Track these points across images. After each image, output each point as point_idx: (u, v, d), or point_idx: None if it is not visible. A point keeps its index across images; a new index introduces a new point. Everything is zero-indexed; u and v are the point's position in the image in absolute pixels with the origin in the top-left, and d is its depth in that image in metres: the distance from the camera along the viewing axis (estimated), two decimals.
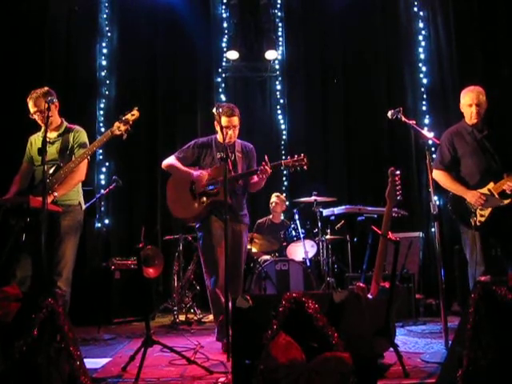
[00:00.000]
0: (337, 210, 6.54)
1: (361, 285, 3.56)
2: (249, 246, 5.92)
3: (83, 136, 4.25)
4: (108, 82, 7.81)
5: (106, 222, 7.47)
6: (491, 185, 4.22)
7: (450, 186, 4.39)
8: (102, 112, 7.65)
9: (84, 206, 4.30)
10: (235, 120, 4.43)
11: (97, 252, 6.87)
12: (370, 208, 6.39)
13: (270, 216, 7.07)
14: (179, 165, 4.46)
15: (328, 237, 6.54)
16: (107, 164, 7.56)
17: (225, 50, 8.38)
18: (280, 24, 8.62)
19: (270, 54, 8.30)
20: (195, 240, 5.75)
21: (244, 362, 2.43)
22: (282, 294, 2.54)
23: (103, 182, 7.40)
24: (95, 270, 6.41)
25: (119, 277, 6.32)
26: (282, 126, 8.44)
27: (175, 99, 8.14)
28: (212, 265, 4.28)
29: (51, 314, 2.51)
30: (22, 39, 6.95)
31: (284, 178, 8.29)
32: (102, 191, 6.06)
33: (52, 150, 4.08)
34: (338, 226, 6.74)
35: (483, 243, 4.19)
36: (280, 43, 8.55)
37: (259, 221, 7.01)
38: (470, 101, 4.37)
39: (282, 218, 7.15)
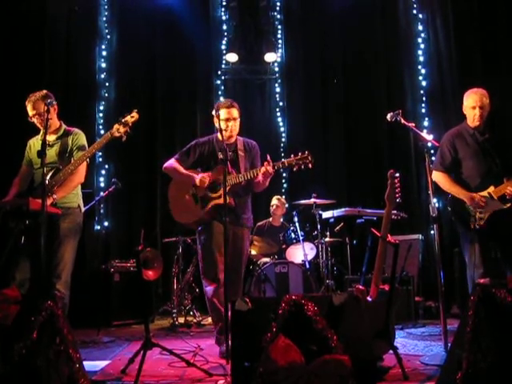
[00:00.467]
0: (336, 212, 6.54)
1: (360, 287, 3.56)
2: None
3: (82, 138, 4.26)
4: (107, 84, 7.80)
5: (106, 224, 7.46)
6: (491, 188, 4.21)
7: (449, 188, 4.39)
8: (101, 114, 7.64)
9: (83, 209, 4.30)
10: (235, 112, 4.32)
11: (96, 254, 6.85)
12: (369, 210, 6.39)
13: (270, 219, 7.06)
14: (180, 168, 4.36)
15: (327, 239, 6.53)
16: (107, 166, 7.55)
17: (224, 52, 8.38)
18: (279, 26, 8.62)
19: (270, 57, 8.30)
20: (194, 242, 5.75)
21: (243, 365, 2.43)
22: (281, 296, 2.54)
23: (102, 185, 7.39)
24: (94, 273, 6.40)
25: (118, 279, 6.31)
26: (282, 129, 8.44)
27: (174, 101, 8.14)
28: (211, 270, 4.18)
29: (50, 317, 2.50)
30: (22, 39, 6.95)
31: (284, 181, 8.28)
32: (102, 193, 6.06)
33: (51, 153, 4.08)
34: (338, 228, 6.74)
35: (482, 246, 4.19)
36: (279, 45, 8.55)
37: (259, 224, 7.00)
38: (473, 103, 4.34)
39: (282, 220, 7.15)
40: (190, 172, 4.34)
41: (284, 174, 8.30)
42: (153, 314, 6.58)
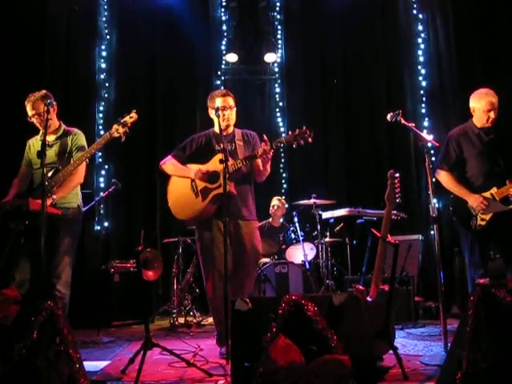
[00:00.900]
0: (336, 212, 6.53)
1: (360, 287, 3.55)
2: None
3: (81, 139, 4.26)
4: (107, 84, 7.80)
5: (106, 224, 7.45)
6: (494, 189, 4.20)
7: (452, 187, 4.37)
8: (101, 115, 7.63)
9: (83, 209, 4.31)
10: (230, 100, 4.26)
11: (96, 255, 6.86)
12: (369, 211, 6.38)
13: (270, 219, 7.06)
14: (177, 164, 4.31)
15: (327, 239, 6.53)
16: (106, 167, 7.55)
17: (224, 52, 8.38)
18: (279, 27, 8.62)
19: (270, 57, 8.30)
20: (194, 243, 5.74)
21: (243, 365, 2.43)
22: (281, 296, 2.54)
23: (102, 185, 7.38)
24: (94, 273, 6.41)
25: (118, 280, 6.32)
26: (282, 129, 8.43)
27: (174, 102, 8.14)
28: (211, 269, 4.13)
29: (51, 317, 2.50)
30: (22, 39, 6.94)
31: (283, 181, 8.29)
32: (101, 194, 6.06)
33: (51, 153, 4.08)
34: (338, 228, 6.74)
35: (482, 246, 4.19)
36: (279, 46, 8.56)
37: (258, 224, 6.98)
38: (489, 106, 4.29)
39: (282, 221, 7.14)
40: (187, 166, 4.28)
41: (284, 175, 8.30)
42: (153, 314, 6.58)
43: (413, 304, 5.70)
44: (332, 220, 6.68)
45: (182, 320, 6.14)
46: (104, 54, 7.80)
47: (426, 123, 7.60)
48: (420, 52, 7.87)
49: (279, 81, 8.59)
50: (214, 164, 4.12)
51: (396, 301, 3.47)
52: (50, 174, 3.92)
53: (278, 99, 8.56)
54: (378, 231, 3.57)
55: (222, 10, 8.50)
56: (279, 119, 8.49)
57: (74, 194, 4.15)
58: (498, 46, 7.30)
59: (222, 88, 8.29)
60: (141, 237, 5.86)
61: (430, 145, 4.07)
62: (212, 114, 4.26)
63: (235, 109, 4.33)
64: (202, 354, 4.11)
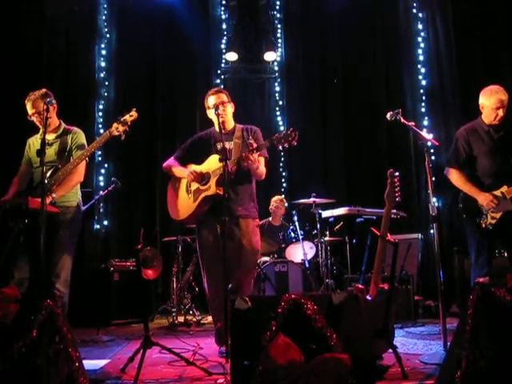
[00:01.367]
0: (336, 211, 6.54)
1: (360, 286, 3.55)
2: None
3: (81, 137, 4.25)
4: (107, 83, 7.80)
5: (105, 223, 7.46)
6: (504, 188, 4.16)
7: (462, 185, 4.33)
8: (100, 113, 7.64)
9: (83, 208, 4.30)
10: (222, 96, 4.25)
11: (96, 253, 6.85)
12: (368, 209, 6.39)
13: (270, 218, 7.05)
14: (177, 165, 4.31)
15: (327, 238, 6.54)
16: (106, 165, 7.55)
17: (224, 51, 8.39)
18: (279, 25, 8.63)
19: (269, 56, 8.31)
20: (194, 241, 5.75)
21: (243, 364, 2.43)
22: (280, 295, 2.54)
23: (102, 184, 7.39)
24: (94, 272, 6.40)
25: (118, 278, 6.32)
26: (281, 128, 8.43)
27: (174, 100, 8.15)
28: (210, 268, 4.14)
29: (50, 316, 2.50)
30: (22, 39, 6.95)
31: (283, 180, 8.29)
32: (101, 193, 6.04)
33: (50, 152, 4.08)
34: (337, 227, 6.75)
35: (491, 246, 4.16)
36: (279, 45, 8.56)
37: (259, 223, 6.98)
38: (498, 103, 4.24)
39: (281, 220, 7.14)
40: (186, 167, 4.27)
41: (284, 174, 8.31)
42: (152, 313, 6.58)
43: (412, 303, 5.71)
44: (332, 219, 6.68)
45: (181, 319, 6.14)
46: (104, 52, 7.81)
47: (425, 122, 7.60)
48: (420, 51, 7.88)
49: (279, 79, 8.60)
50: (208, 165, 4.13)
51: (395, 300, 3.48)
52: (49, 173, 3.92)
53: (277, 98, 8.56)
54: (378, 230, 3.56)
55: (222, 8, 8.51)
56: (279, 118, 8.49)
57: (74, 192, 4.15)
58: (498, 45, 7.31)
59: (222, 87, 8.31)
60: (140, 235, 5.85)
61: (429, 144, 4.06)
62: (209, 113, 4.27)
63: (230, 104, 4.31)
64: (202, 352, 4.11)
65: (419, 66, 7.84)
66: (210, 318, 5.77)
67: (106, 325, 5.87)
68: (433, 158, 6.99)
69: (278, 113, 8.51)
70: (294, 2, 8.57)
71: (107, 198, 7.26)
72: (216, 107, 4.12)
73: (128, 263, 6.50)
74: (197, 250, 4.39)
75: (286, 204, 7.18)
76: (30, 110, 4.11)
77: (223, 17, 8.50)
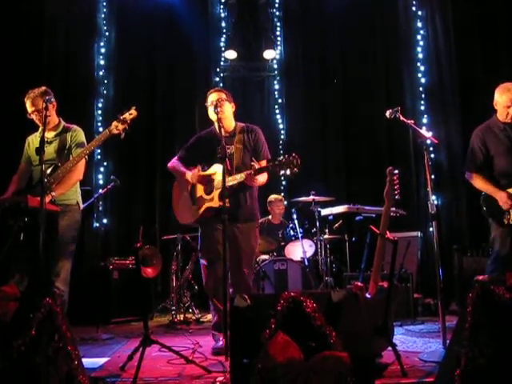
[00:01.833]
0: (335, 209, 6.54)
1: (359, 284, 3.55)
2: None
3: (81, 135, 4.25)
4: (106, 81, 7.80)
5: (104, 221, 7.45)
6: None
7: (482, 186, 4.31)
8: (100, 112, 7.64)
9: (82, 206, 4.30)
10: (221, 94, 4.26)
11: (95, 252, 6.85)
12: (368, 207, 6.39)
13: (269, 216, 7.05)
14: (179, 166, 4.33)
15: (326, 236, 6.54)
16: (105, 164, 7.55)
17: (223, 49, 8.37)
18: (278, 23, 8.61)
19: (269, 54, 8.30)
20: (193, 240, 5.75)
21: (242, 362, 2.43)
22: (280, 293, 2.54)
23: (101, 182, 7.39)
24: (93, 270, 6.40)
25: (117, 276, 6.32)
26: (281, 126, 8.43)
27: (173, 98, 8.14)
28: (210, 268, 4.17)
29: (49, 314, 2.50)
30: (21, 37, 6.94)
31: (282, 178, 8.28)
32: (100, 191, 6.04)
33: (50, 150, 4.08)
34: (336, 225, 6.74)
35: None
36: (278, 43, 8.54)
37: (259, 221, 6.99)
38: (509, 102, 4.18)
39: (281, 218, 7.14)
40: (188, 169, 4.30)
41: (282, 172, 8.28)
42: (152, 311, 6.58)
43: (412, 301, 5.71)
44: (331, 217, 6.69)
45: (180, 317, 6.14)
46: (103, 50, 7.80)
47: (425, 120, 7.60)
48: (419, 49, 7.88)
49: (278, 78, 8.58)
50: (210, 172, 4.19)
51: (395, 298, 3.48)
52: (49, 171, 3.92)
53: (277, 96, 8.55)
54: (377, 228, 3.57)
55: (221, 6, 8.49)
56: (278, 116, 8.48)
57: (73, 190, 4.15)
58: (498, 43, 7.30)
59: (221, 85, 8.31)
60: (140, 234, 5.86)
61: (428, 142, 4.06)
62: (210, 113, 4.26)
63: (228, 102, 4.31)
64: (201, 350, 4.12)
65: (418, 64, 7.83)
66: (209, 316, 5.77)
67: (105, 323, 5.87)
68: (432, 155, 6.99)
69: (277, 111, 8.49)
70: (293, 0, 8.55)
71: (106, 197, 7.25)
72: (214, 105, 4.11)
73: (127, 261, 6.50)
74: (196, 248, 4.39)
75: (286, 202, 7.18)
76: (29, 107, 4.10)
77: (222, 15, 8.48)
